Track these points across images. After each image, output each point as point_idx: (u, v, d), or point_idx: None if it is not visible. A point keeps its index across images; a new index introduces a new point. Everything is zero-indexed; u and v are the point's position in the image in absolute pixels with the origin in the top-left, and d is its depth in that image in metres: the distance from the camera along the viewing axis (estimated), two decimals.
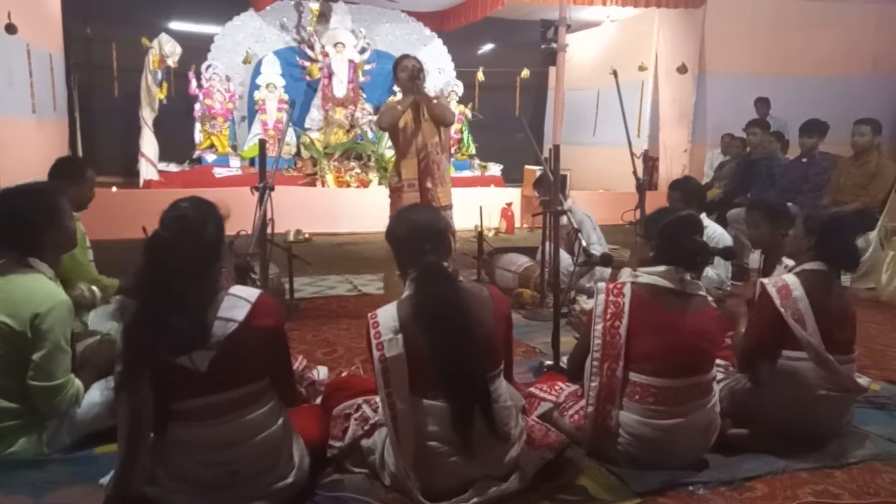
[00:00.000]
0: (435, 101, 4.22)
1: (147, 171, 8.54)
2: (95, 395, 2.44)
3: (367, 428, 2.25)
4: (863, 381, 2.67)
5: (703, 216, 4.11)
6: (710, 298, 2.51)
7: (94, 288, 2.93)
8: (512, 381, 2.61)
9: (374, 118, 9.80)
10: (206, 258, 1.98)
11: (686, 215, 2.46)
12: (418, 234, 2.19)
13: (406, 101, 4.11)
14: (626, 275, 2.48)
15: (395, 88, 10.05)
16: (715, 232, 4.09)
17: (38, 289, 2.30)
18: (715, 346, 2.47)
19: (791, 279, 2.57)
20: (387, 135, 8.67)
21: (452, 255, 2.44)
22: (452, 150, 9.92)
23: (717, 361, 2.56)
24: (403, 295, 2.17)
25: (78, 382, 2.39)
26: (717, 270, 4.05)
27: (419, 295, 2.11)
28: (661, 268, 2.37)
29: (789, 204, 5.74)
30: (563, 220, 3.52)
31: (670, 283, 2.35)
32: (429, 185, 4.13)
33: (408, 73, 4.06)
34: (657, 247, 2.40)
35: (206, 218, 1.98)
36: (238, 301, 1.98)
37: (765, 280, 2.64)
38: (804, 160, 6.14)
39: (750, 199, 4.24)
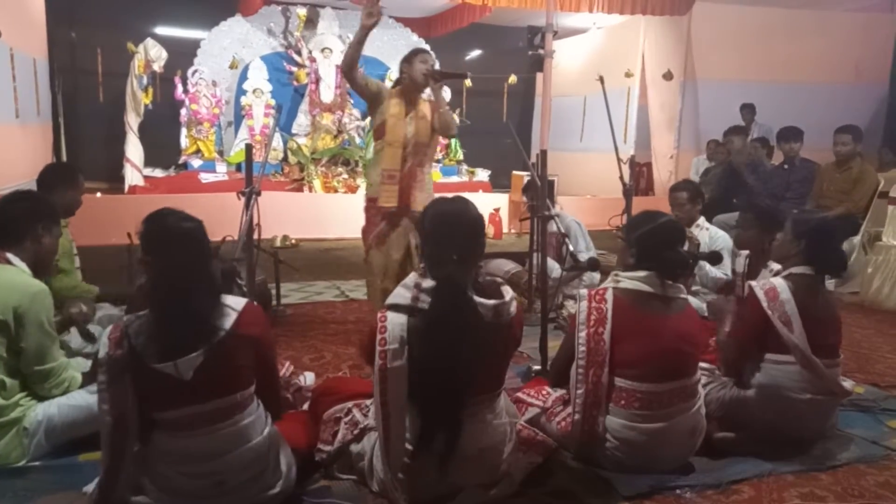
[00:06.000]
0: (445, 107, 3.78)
1: (132, 177, 8.49)
2: (76, 398, 2.41)
3: (356, 432, 2.23)
4: (847, 384, 2.70)
5: (702, 219, 4.17)
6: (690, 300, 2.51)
7: (84, 307, 2.93)
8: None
9: (362, 123, 9.80)
10: (206, 257, 2.00)
11: (668, 223, 2.44)
12: (445, 238, 2.04)
13: (360, 33, 3.55)
14: (608, 280, 2.48)
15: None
16: (717, 234, 4.11)
17: (18, 281, 2.36)
18: (698, 350, 2.48)
19: (779, 282, 2.59)
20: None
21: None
22: (440, 156, 9.91)
23: (702, 365, 2.57)
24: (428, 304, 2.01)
25: (73, 371, 2.44)
26: (723, 270, 3.84)
27: (431, 313, 1.99)
28: (643, 273, 2.37)
29: None
30: (552, 226, 3.51)
31: (651, 287, 2.35)
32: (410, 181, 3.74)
33: (427, 67, 3.66)
34: (637, 254, 2.40)
35: (194, 220, 2.00)
36: (224, 309, 1.97)
37: (753, 282, 2.66)
38: (786, 166, 6.20)
39: (746, 200, 4.20)
